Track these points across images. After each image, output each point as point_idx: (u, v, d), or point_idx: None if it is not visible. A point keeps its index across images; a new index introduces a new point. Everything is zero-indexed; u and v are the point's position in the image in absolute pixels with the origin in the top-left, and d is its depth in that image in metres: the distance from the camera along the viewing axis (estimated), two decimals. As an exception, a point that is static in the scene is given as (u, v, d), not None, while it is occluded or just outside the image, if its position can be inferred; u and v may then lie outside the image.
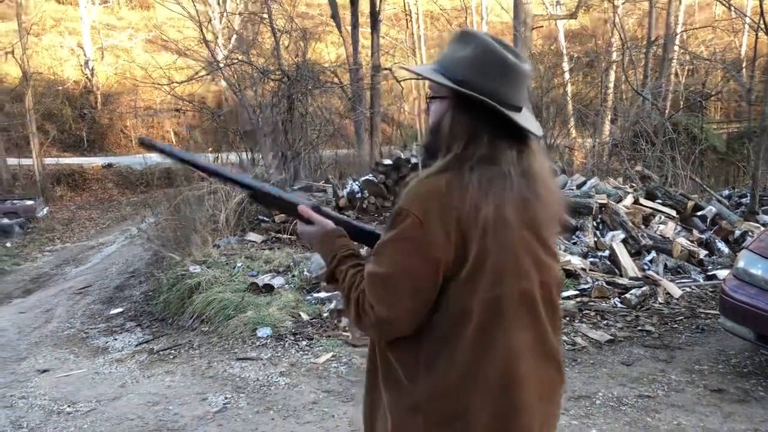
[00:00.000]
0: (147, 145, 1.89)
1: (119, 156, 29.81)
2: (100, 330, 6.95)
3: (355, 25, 18.57)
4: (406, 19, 30.53)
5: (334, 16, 18.21)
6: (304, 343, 5.21)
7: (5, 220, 20.36)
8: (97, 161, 28.98)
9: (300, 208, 1.78)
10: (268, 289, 6.26)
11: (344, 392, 4.35)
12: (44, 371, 5.59)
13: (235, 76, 11.95)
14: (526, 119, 1.63)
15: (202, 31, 12.68)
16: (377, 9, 17.66)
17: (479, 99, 1.55)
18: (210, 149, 18.56)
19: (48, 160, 27.41)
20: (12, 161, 26.09)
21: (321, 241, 1.74)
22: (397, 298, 1.52)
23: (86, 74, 32.26)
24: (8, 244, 17.14)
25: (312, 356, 4.95)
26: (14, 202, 22.54)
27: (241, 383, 4.61)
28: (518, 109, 1.61)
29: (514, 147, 1.59)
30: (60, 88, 31.27)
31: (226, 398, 4.38)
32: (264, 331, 5.40)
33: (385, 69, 18.12)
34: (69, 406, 4.63)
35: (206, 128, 24.25)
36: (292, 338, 5.29)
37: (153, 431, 4.00)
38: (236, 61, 11.99)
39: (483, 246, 1.50)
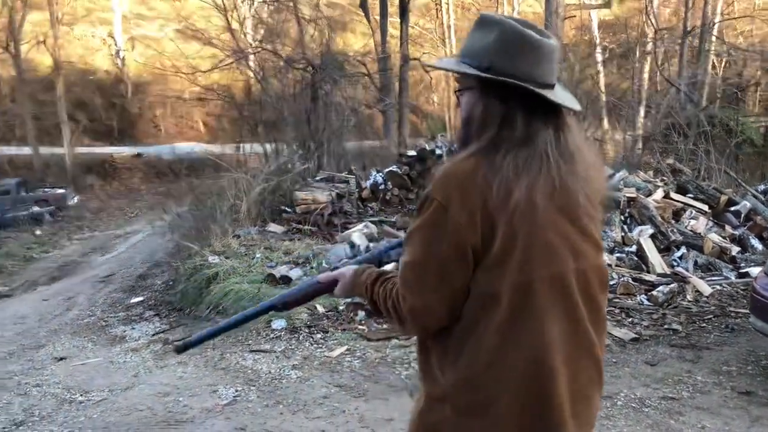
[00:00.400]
0: (188, 347, 1.90)
1: (149, 146, 30.06)
2: (120, 319, 6.95)
3: (383, 14, 18.43)
4: (436, 9, 30.28)
5: (363, 5, 18.08)
6: (319, 336, 5.12)
7: (36, 209, 20.68)
8: (126, 151, 29.31)
9: (320, 280, 1.81)
10: (286, 280, 6.18)
11: (356, 387, 4.25)
12: (61, 359, 5.59)
13: (261, 65, 11.89)
14: (559, 95, 1.55)
15: (227, 19, 12.62)
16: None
17: (507, 81, 1.48)
18: (237, 140, 18.60)
19: (79, 149, 27.77)
20: (44, 150, 26.47)
21: (351, 289, 1.74)
22: (425, 285, 1.48)
23: (117, 64, 32.58)
24: (38, 232, 17.39)
25: (326, 349, 4.86)
26: (45, 190, 22.90)
27: (253, 376, 4.54)
28: (550, 87, 1.54)
29: (550, 126, 1.52)
30: (91, 77, 31.67)
31: (236, 391, 4.30)
32: (279, 324, 5.32)
33: (414, 59, 17.94)
34: (81, 395, 4.60)
35: (233, 118, 24.32)
36: (307, 331, 5.20)
37: (161, 422, 3.94)
38: (260, 50, 11.91)
39: (511, 229, 1.43)
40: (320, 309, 5.57)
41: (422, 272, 1.48)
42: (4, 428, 4.18)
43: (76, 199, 23.07)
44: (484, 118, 1.52)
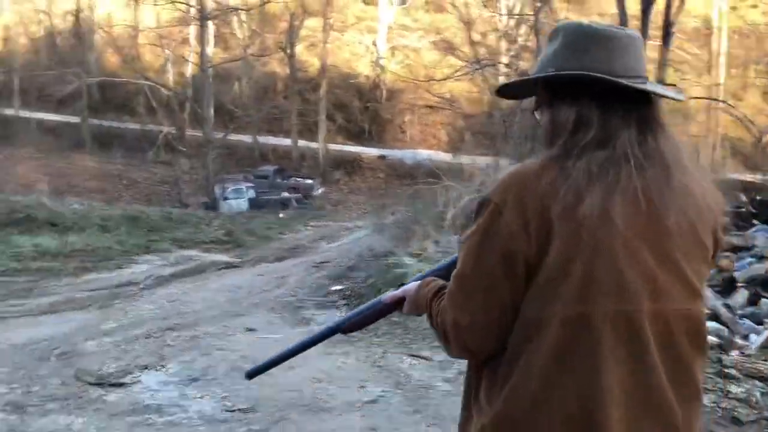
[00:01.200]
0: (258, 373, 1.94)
1: (394, 149, 31.64)
2: (315, 303, 7.37)
3: (644, 35, 17.43)
4: (707, 34, 27.79)
5: (623, 25, 17.23)
6: (480, 353, 4.94)
7: (286, 194, 22.91)
8: (373, 152, 31.22)
9: (383, 300, 1.64)
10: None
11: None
12: (250, 330, 6.07)
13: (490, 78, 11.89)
14: (648, 87, 1.30)
15: (469, 32, 12.82)
16: (670, 21, 16.33)
17: (571, 74, 1.27)
18: (478, 152, 18.87)
19: (332, 146, 30.19)
20: (302, 143, 29.25)
21: (415, 305, 1.54)
22: (471, 299, 1.27)
23: (376, 71, 34.77)
24: (282, 215, 19.22)
25: (482, 369, 4.67)
26: (297, 179, 25.27)
27: (404, 380, 4.52)
28: (632, 78, 1.28)
29: (632, 124, 1.26)
30: (352, 81, 34.14)
31: (382, 391, 4.31)
32: (445, 333, 5.23)
33: (671, 85, 16.70)
34: (251, 365, 4.93)
35: (473, 129, 24.66)
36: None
37: (302, 406, 4.09)
38: (493, 63, 11.90)
39: (573, 245, 1.18)
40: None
41: (468, 284, 1.28)
42: (180, 380, 4.65)
43: (321, 191, 25.13)
44: (557, 123, 1.31)
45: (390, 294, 1.63)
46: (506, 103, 12.13)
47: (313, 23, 33.62)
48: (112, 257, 10.05)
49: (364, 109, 33.95)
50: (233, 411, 4.06)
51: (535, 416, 1.22)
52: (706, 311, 1.41)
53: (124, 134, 32.58)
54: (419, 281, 1.56)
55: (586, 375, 1.19)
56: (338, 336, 4.68)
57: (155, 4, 31.38)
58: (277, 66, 34.42)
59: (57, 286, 7.95)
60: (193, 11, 26.62)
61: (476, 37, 14.70)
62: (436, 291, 1.45)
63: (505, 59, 12.19)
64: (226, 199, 21.03)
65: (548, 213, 1.19)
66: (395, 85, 33.99)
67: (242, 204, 21.19)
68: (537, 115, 1.40)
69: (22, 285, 7.81)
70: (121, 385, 4.54)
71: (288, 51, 29.57)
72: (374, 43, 35.62)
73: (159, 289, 8.06)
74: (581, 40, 1.29)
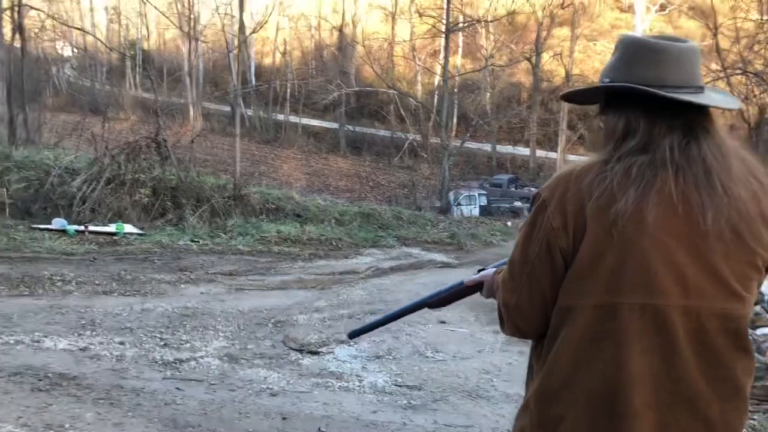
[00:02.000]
0: (359, 334, 2.24)
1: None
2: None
3: None
4: None
5: None
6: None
7: (517, 203, 22.98)
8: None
9: (465, 282, 1.84)
10: None
11: None
12: (441, 322, 6.44)
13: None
14: (697, 96, 1.38)
15: (716, 38, 11.83)
16: None
17: (614, 86, 1.41)
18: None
19: (571, 157, 29.49)
20: (540, 153, 29.06)
21: (489, 290, 1.74)
22: (518, 283, 1.45)
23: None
24: (509, 224, 19.33)
25: None
26: (531, 189, 25.17)
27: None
28: (682, 89, 1.38)
29: (677, 131, 1.35)
30: (599, 91, 32.93)
31: (544, 391, 4.40)
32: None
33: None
34: (431, 352, 5.33)
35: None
36: None
37: (464, 391, 4.35)
38: (743, 71, 10.88)
39: (604, 241, 1.31)
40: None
41: (517, 270, 1.45)
42: (366, 356, 5.18)
43: (555, 202, 24.74)
44: (609, 130, 1.45)
45: (471, 278, 1.83)
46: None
47: (562, 32, 33.16)
48: (341, 248, 11.11)
49: (609, 120, 32.59)
50: (401, 386, 4.47)
51: (564, 393, 1.38)
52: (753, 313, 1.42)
53: (375, 140, 35.19)
54: (492, 270, 1.75)
55: (613, 360, 1.31)
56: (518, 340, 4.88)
57: (409, 20, 33.40)
58: (522, 75, 34.56)
59: (291, 268, 9.06)
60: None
61: (725, 44, 13.45)
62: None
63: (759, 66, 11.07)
64: (458, 204, 21.73)
65: (584, 212, 1.33)
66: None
67: (473, 210, 21.74)
68: (599, 121, 1.52)
69: (263, 264, 9.04)
70: (316, 353, 5.20)
71: (533, 60, 29.55)
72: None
73: (374, 279, 8.79)
74: (634, 53, 1.40)
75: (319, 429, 3.63)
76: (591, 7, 38.69)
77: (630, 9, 36.78)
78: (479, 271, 1.84)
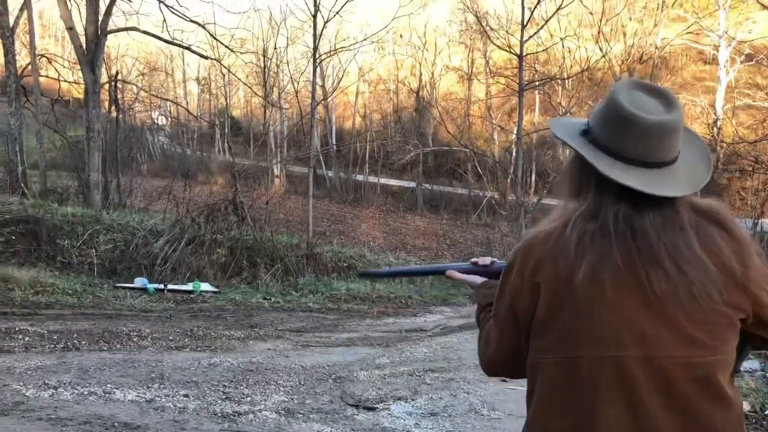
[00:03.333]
0: (368, 276, 2.33)
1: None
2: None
3: None
4: None
5: None
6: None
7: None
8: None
9: (447, 273, 1.92)
10: None
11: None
12: (503, 380, 6.36)
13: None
14: (635, 174, 1.41)
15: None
16: None
17: (572, 148, 1.49)
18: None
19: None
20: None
21: (476, 297, 1.82)
22: (490, 337, 1.57)
23: (712, 134, 32.21)
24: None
25: None
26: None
27: None
28: (640, 163, 1.42)
29: (624, 202, 1.40)
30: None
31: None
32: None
33: None
34: (488, 410, 5.28)
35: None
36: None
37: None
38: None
39: (557, 304, 1.41)
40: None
41: (491, 325, 1.57)
42: (421, 413, 5.19)
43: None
44: (567, 178, 1.54)
45: (451, 270, 1.89)
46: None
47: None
48: (411, 306, 11.17)
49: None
50: (450, 444, 4.46)
51: None
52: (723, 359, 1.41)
53: (452, 198, 35.32)
54: (479, 282, 1.80)
55: (580, 412, 1.38)
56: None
57: (485, 80, 33.86)
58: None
59: (358, 325, 9.19)
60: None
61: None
62: (487, 304, 1.70)
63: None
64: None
65: (540, 276, 1.43)
66: (731, 149, 31.06)
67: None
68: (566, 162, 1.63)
69: (330, 321, 9.21)
70: (372, 409, 5.25)
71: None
72: (711, 105, 33.19)
73: (441, 337, 8.78)
74: (610, 112, 1.45)
75: (363, 483, 3.68)
76: (672, 60, 38.14)
77: (714, 61, 35.91)
78: (473, 263, 1.88)
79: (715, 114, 32.45)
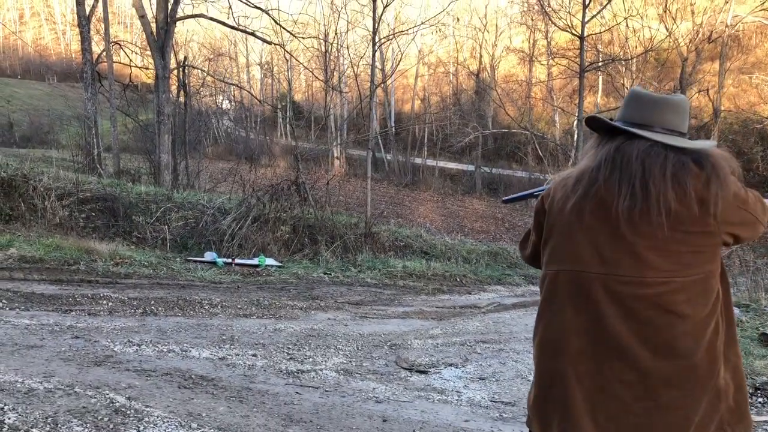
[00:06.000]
0: (512, 201, 2.73)
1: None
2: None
3: None
4: None
5: None
6: (760, 400, 4.70)
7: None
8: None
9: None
10: (778, 343, 5.68)
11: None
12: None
13: None
14: (652, 133, 1.78)
15: None
16: None
17: (598, 122, 1.89)
18: None
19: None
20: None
21: None
22: (529, 240, 2.10)
23: (785, 113, 31.07)
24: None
25: (755, 413, 4.48)
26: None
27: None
28: (643, 126, 1.81)
29: (617, 140, 1.79)
30: (757, 126, 31.10)
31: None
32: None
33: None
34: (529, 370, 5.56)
35: None
36: (751, 391, 4.82)
37: None
38: None
39: (551, 226, 1.85)
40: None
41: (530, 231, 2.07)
42: (470, 377, 5.51)
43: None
44: (591, 145, 1.94)
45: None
46: None
47: (714, 66, 31.72)
48: (466, 284, 11.46)
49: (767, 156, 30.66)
50: (496, 402, 4.78)
51: (535, 342, 1.87)
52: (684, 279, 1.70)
53: (512, 181, 35.16)
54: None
55: (556, 314, 1.79)
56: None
57: (546, 62, 33.46)
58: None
59: (413, 300, 9.55)
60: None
61: None
62: None
63: None
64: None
65: (547, 203, 1.88)
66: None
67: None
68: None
69: (387, 296, 9.60)
70: (424, 372, 5.61)
71: (678, 98, 28.47)
72: (785, 84, 31.93)
73: (494, 314, 9.06)
74: (627, 99, 1.89)
75: (414, 431, 4.04)
76: (745, 38, 36.76)
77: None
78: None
79: (789, 94, 31.22)
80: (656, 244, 1.66)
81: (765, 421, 4.35)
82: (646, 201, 1.66)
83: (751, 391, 4.87)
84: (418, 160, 37.50)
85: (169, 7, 16.12)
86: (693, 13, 31.46)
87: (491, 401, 4.80)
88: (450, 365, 5.88)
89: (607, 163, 1.74)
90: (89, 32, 18.08)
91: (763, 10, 32.71)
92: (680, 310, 1.65)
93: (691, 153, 1.72)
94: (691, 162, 1.70)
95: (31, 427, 3.47)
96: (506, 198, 2.62)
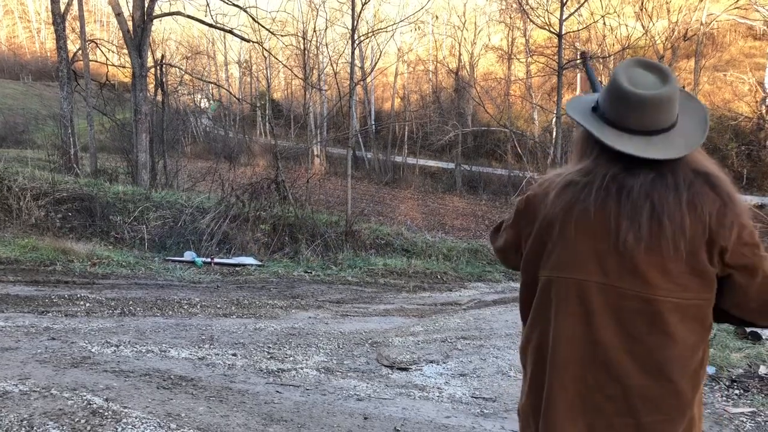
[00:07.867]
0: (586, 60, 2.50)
1: (772, 197, 28.31)
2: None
3: None
4: None
5: None
6: (737, 392, 4.76)
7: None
8: (754, 200, 28.30)
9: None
10: (755, 337, 5.76)
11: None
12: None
13: None
14: (633, 141, 1.65)
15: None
16: None
17: (579, 124, 1.75)
18: None
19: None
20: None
21: None
22: (503, 237, 1.99)
23: (760, 111, 31.52)
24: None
25: (731, 405, 4.54)
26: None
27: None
28: (633, 132, 1.66)
29: (618, 165, 1.65)
30: (732, 123, 31.51)
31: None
32: (708, 369, 5.14)
33: None
34: (514, 372, 5.58)
35: None
36: (727, 383, 4.89)
37: (536, 405, 4.60)
38: None
39: (543, 230, 1.72)
40: (763, 370, 5.08)
41: (506, 228, 1.97)
42: (451, 373, 5.52)
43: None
44: (577, 143, 1.82)
45: None
46: None
47: (690, 64, 32.10)
48: (446, 281, 11.48)
49: (743, 154, 31.08)
50: (477, 398, 4.79)
51: (527, 348, 1.80)
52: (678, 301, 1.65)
53: (492, 178, 35.30)
54: None
55: (549, 321, 1.71)
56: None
57: (525, 60, 33.66)
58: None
59: (394, 298, 9.55)
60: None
61: None
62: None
63: None
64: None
65: (534, 208, 1.77)
66: (780, 127, 30.38)
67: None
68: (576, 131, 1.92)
69: (368, 294, 9.59)
70: (405, 369, 5.61)
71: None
72: (759, 83, 32.35)
73: (475, 310, 9.09)
74: (610, 89, 1.69)
75: (395, 429, 4.04)
76: (720, 36, 37.24)
77: (764, 36, 35.02)
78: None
79: (764, 92, 31.66)
80: (657, 261, 1.59)
81: (741, 413, 4.40)
82: (657, 238, 1.57)
83: (727, 383, 4.93)
84: (399, 159, 37.50)
85: (146, 4, 15.96)
86: (669, 11, 31.83)
87: (472, 397, 4.81)
88: (431, 362, 5.89)
89: (602, 192, 1.63)
90: (64, 30, 17.84)
91: (737, 8, 33.21)
92: (674, 332, 1.60)
93: (703, 175, 1.61)
94: (706, 187, 1.60)
95: (6, 431, 3.42)
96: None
